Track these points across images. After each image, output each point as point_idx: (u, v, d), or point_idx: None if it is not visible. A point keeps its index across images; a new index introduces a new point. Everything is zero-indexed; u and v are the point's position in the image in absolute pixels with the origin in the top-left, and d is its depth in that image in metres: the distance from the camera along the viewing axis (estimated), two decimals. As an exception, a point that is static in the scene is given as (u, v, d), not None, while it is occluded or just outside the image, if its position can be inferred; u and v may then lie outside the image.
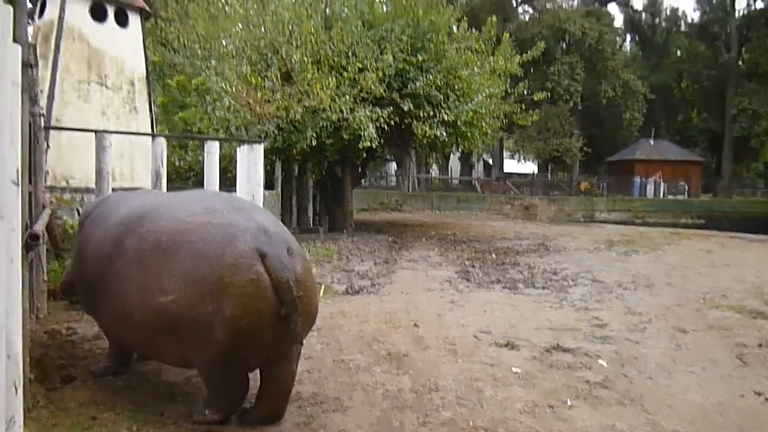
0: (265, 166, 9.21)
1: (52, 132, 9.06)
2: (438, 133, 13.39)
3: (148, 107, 11.66)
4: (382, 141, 13.30)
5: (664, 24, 47.58)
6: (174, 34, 16.00)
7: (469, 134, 14.66)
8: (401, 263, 10.71)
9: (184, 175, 15.61)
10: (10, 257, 2.45)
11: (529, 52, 16.91)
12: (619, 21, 47.38)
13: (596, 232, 18.10)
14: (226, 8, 14.17)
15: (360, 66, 12.54)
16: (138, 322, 3.41)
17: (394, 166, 39.20)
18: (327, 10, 14.08)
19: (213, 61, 13.38)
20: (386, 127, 12.92)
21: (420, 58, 13.49)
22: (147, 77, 11.76)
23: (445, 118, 13.45)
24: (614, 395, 4.24)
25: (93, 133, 6.87)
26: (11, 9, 2.43)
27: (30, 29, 10.70)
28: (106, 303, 3.70)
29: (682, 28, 46.44)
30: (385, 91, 12.83)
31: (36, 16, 11.01)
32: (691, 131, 43.22)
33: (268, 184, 13.09)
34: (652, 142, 38.39)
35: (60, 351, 4.72)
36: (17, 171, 2.52)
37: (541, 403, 4.02)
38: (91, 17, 10.79)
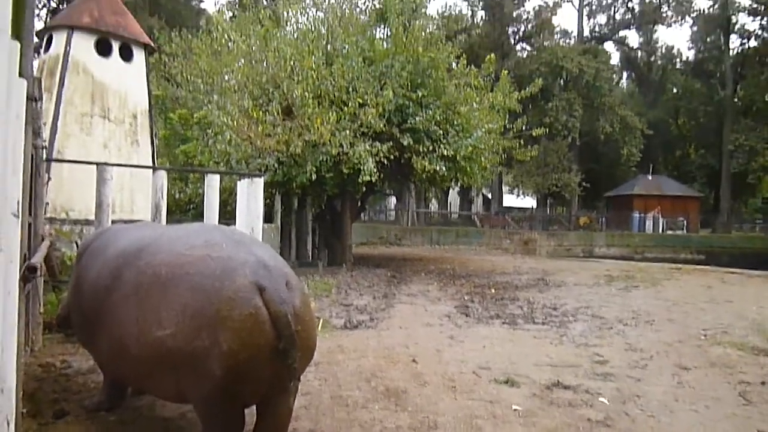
0: (265, 199, 9.26)
1: (53, 164, 9.12)
2: (437, 168, 13.48)
3: (149, 140, 11.77)
4: (381, 175, 13.39)
5: (659, 62, 48.43)
6: (177, 68, 16.27)
7: (468, 169, 14.77)
8: (400, 298, 10.65)
9: (184, 208, 15.67)
10: (8, 290, 2.44)
11: (527, 88, 17.19)
12: (615, 58, 48.26)
13: (596, 267, 18.05)
14: (229, 44, 14.44)
15: (360, 101, 12.70)
16: (134, 356, 3.37)
17: (393, 200, 39.35)
18: (328, 46, 14.33)
19: (215, 96, 13.56)
20: (386, 162, 13.02)
21: (420, 94, 13.67)
22: (149, 111, 11.90)
23: (445, 152, 13.56)
24: (616, 434, 4.16)
25: (94, 166, 6.92)
26: (18, 44, 2.47)
27: (36, 63, 10.89)
28: (102, 336, 3.66)
29: (678, 65, 47.25)
30: (384, 125, 12.96)
31: (42, 51, 11.20)
32: (689, 167, 43.57)
33: (268, 218, 13.14)
34: (650, 177, 38.65)
35: (54, 385, 4.65)
36: (18, 203, 2.52)
37: (541, 442, 3.94)
38: (97, 52, 10.98)
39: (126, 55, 11.37)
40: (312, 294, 9.72)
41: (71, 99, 10.61)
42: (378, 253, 21.44)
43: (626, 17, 44.64)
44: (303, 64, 12.73)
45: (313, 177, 12.73)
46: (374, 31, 15.69)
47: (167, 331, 3.18)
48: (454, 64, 16.30)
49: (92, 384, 4.68)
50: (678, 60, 47.76)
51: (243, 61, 13.81)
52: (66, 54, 10.60)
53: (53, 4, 32.27)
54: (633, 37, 58.19)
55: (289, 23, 15.90)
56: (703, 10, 42.37)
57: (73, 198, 10.04)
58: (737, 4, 39.35)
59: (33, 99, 3.65)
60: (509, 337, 7.41)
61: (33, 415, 3.91)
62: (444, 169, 13.72)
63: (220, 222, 7.24)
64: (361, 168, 12.36)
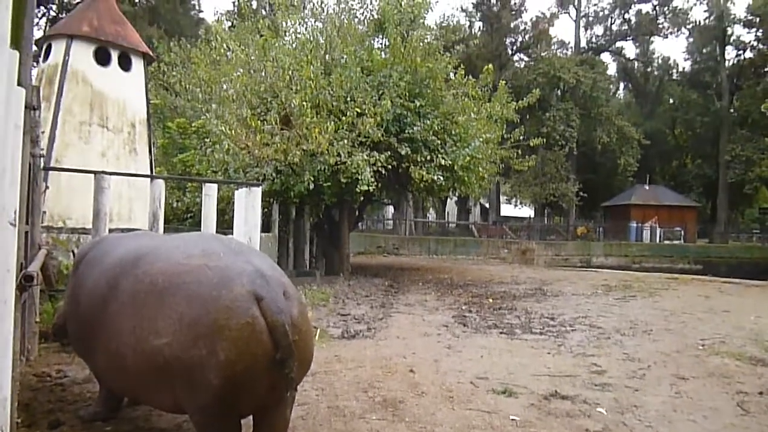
0: (263, 208, 9.26)
1: (51, 172, 9.11)
2: (435, 178, 13.51)
3: (147, 149, 11.77)
4: (379, 185, 13.41)
5: (656, 72, 48.75)
6: (176, 78, 16.33)
7: (466, 179, 14.80)
8: (398, 307, 10.63)
9: (181, 217, 15.65)
10: (4, 299, 2.44)
11: (524, 98, 17.30)
12: (612, 69, 48.58)
13: (593, 276, 18.05)
14: (228, 54, 14.50)
15: (358, 111, 12.74)
16: (131, 366, 3.35)
17: (391, 209, 39.40)
18: (327, 56, 14.39)
19: (213, 105, 13.59)
20: (383, 171, 13.04)
21: (417, 104, 13.72)
22: (148, 120, 11.91)
23: (442, 162, 13.60)
24: (614, 445, 4.15)
25: (92, 174, 6.91)
26: (17, 53, 2.48)
27: (34, 72, 10.91)
28: (98, 345, 3.65)
29: (674, 76, 47.54)
30: (382, 135, 12.99)
31: (41, 60, 11.23)
32: (686, 177, 43.75)
33: (266, 227, 13.13)
34: (647, 187, 38.77)
35: (49, 395, 4.63)
36: (15, 212, 2.52)
37: (539, 453, 3.93)
38: (95, 61, 11.00)
39: (125, 64, 11.39)
40: (309, 303, 9.69)
41: (70, 108, 10.62)
42: (376, 263, 21.42)
43: (623, 28, 44.94)
44: (301, 74, 12.78)
45: (311, 186, 12.74)
46: (372, 42, 15.77)
47: (164, 341, 3.17)
48: (451, 75, 16.38)
49: (88, 394, 4.66)
50: (674, 71, 48.07)
51: (241, 70, 13.86)
52: (65, 63, 10.62)
53: (52, 13, 32.39)
54: (630, 48, 58.52)
55: (287, 33, 15.98)
56: (699, 22, 42.71)
57: (71, 207, 10.03)
58: (733, 16, 39.71)
59: (31, 108, 3.65)
60: (507, 347, 7.39)
61: (28, 425, 3.89)
62: (442, 178, 13.75)
63: (217, 231, 7.23)
64: (359, 177, 12.37)
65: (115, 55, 11.22)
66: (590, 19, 45.28)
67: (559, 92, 36.63)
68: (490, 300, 11.89)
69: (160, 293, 3.28)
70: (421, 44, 14.73)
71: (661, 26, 43.65)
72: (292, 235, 15.44)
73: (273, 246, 13.95)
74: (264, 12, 25.04)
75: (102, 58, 11.08)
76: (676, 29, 43.36)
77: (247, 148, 12.49)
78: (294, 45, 14.84)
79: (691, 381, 5.96)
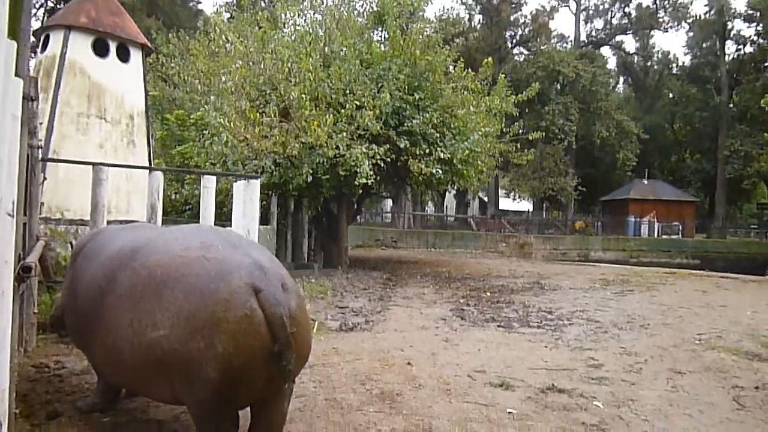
0: (261, 201, 9.24)
1: (49, 164, 9.09)
2: (434, 171, 13.49)
3: (146, 141, 11.75)
4: (378, 178, 13.39)
5: (656, 67, 48.67)
6: (174, 69, 16.27)
7: (464, 172, 14.78)
8: (396, 300, 10.64)
9: (179, 209, 15.64)
10: (2, 290, 2.43)
11: (524, 92, 17.25)
12: (612, 63, 48.48)
13: (591, 271, 18.09)
14: (227, 45, 14.44)
15: (357, 104, 12.71)
16: (129, 358, 3.35)
17: (389, 203, 39.40)
18: (326, 48, 14.34)
19: (212, 97, 13.53)
20: (382, 164, 13.03)
21: (417, 97, 13.69)
22: (146, 112, 11.88)
23: (441, 156, 13.58)
24: (610, 438, 4.17)
25: (90, 166, 6.90)
26: (15, 44, 2.47)
27: (32, 63, 10.86)
28: (96, 337, 3.65)
29: (674, 71, 47.48)
30: (381, 128, 12.97)
31: (39, 50, 11.18)
32: (685, 172, 43.75)
33: (264, 220, 13.12)
34: (645, 182, 38.78)
35: (47, 386, 4.63)
36: (13, 203, 2.52)
37: (536, 446, 3.94)
38: (93, 52, 10.96)
39: (123, 55, 11.35)
40: (307, 296, 9.71)
41: (67, 99, 10.58)
42: (374, 256, 21.44)
43: (623, 22, 44.82)
44: (300, 66, 12.73)
45: (310, 179, 12.72)
46: (372, 34, 15.72)
47: (162, 333, 3.17)
48: (451, 68, 16.33)
49: (86, 385, 4.67)
50: (674, 65, 48.03)
51: (240, 62, 13.80)
52: (63, 54, 10.57)
53: (50, 4, 32.22)
54: (630, 42, 58.48)
55: (286, 25, 15.91)
56: (699, 16, 42.60)
57: (69, 198, 10.01)
58: (733, 10, 39.62)
59: (29, 99, 3.64)
60: (504, 341, 7.41)
61: (26, 416, 3.89)
62: (440, 172, 13.74)
63: (216, 224, 7.23)
64: (358, 170, 12.36)
65: (113, 47, 11.18)
66: (590, 12, 45.16)
67: (558, 86, 36.58)
68: (488, 293, 11.91)
69: (158, 286, 3.28)
70: (421, 37, 14.69)
71: (661, 20, 43.56)
72: (291, 228, 15.44)
73: (271, 239, 13.95)
74: (263, 4, 24.95)
75: (100, 50, 11.04)
76: (676, 23, 43.28)
77: (245, 141, 12.47)
78: (293, 37, 14.78)
79: (687, 375, 5.99)
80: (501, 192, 46.58)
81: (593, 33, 45.80)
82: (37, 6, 31.23)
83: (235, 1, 29.59)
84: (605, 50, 46.62)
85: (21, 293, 4.21)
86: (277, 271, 3.38)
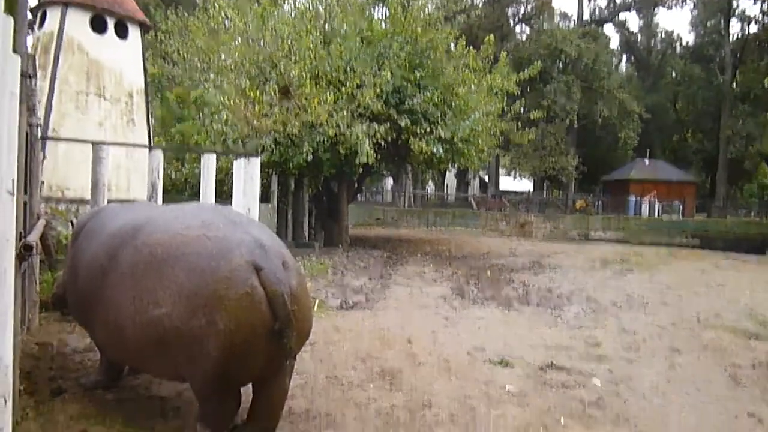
0: (262, 179, 9.23)
1: (48, 143, 9.07)
2: (434, 150, 13.44)
3: (145, 119, 11.68)
4: (378, 157, 13.34)
5: (659, 46, 48.12)
6: (173, 47, 16.10)
7: (465, 151, 14.73)
8: (396, 279, 10.69)
9: (180, 188, 15.61)
10: (3, 267, 2.44)
11: (525, 70, 17.10)
12: (615, 42, 47.91)
13: (591, 250, 18.13)
14: (226, 22, 14.28)
15: (358, 82, 12.62)
16: (131, 336, 3.38)
17: (390, 181, 39.29)
18: (326, 26, 14.20)
19: (212, 75, 13.45)
20: (383, 143, 12.98)
21: (418, 75, 13.58)
22: (145, 89, 11.79)
23: (442, 134, 13.51)
24: (608, 415, 4.22)
25: (90, 145, 6.88)
26: (12, 19, 2.44)
27: (30, 40, 10.76)
28: (99, 315, 3.67)
29: (677, 50, 46.94)
30: (382, 107, 12.89)
31: (36, 27, 11.06)
32: (686, 152, 43.55)
33: (264, 198, 13.12)
34: (647, 161, 38.62)
35: (51, 363, 4.67)
36: (13, 181, 2.51)
37: (534, 422, 3.99)
38: (91, 29, 10.84)
39: (121, 32, 11.23)
40: (308, 274, 9.75)
41: (66, 77, 10.50)
42: (374, 235, 21.48)
43: (627, 0, 44.24)
44: (300, 44, 12.62)
45: (310, 158, 12.68)
46: (372, 11, 15.53)
47: (163, 311, 3.19)
48: (452, 46, 16.17)
49: (89, 363, 4.71)
50: (678, 44, 47.45)
51: (240, 40, 13.67)
52: (60, 31, 10.47)
53: (47, -20, 31.78)
54: (633, 21, 57.84)
55: (286, 2, 15.72)
56: (704, -6, 42.00)
57: (69, 177, 9.99)
58: (738, -12, 39.06)
59: (27, 76, 3.61)
60: (504, 319, 7.46)
61: (30, 392, 3.93)
62: (441, 151, 13.69)
63: (216, 202, 7.23)
64: (358, 149, 12.31)
65: (111, 23, 11.05)
66: (594, -10, 44.56)
67: (560, 65, 36.21)
68: (488, 272, 11.95)
69: (159, 264, 3.29)
70: (422, 14, 14.51)
71: (665, -3, 42.97)
72: (291, 207, 15.44)
73: (272, 217, 13.96)
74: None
75: (98, 26, 10.92)
76: (680, 1, 42.71)
77: (245, 119, 12.41)
78: (293, 14, 14.62)
79: (685, 354, 6.03)
80: (502, 171, 46.44)
81: (596, 11, 45.20)
82: (34, -18, 30.81)
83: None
84: (608, 28, 46.10)
85: (23, 272, 4.22)
86: (277, 250, 3.39)
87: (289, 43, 12.79)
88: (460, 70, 15.05)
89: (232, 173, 8.16)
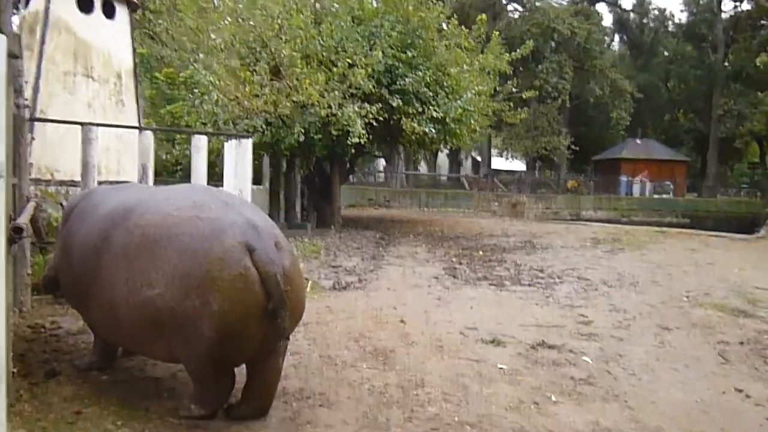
0: (253, 161, 9.18)
1: (37, 124, 8.97)
2: (426, 130, 13.40)
3: (135, 100, 11.57)
4: (370, 137, 13.28)
5: (651, 24, 47.90)
6: (162, 26, 15.88)
7: (457, 131, 14.69)
8: (388, 259, 10.72)
9: (171, 169, 15.53)
10: (-6, 250, 2.43)
11: (518, 50, 17.02)
12: (607, 21, 47.64)
13: (582, 230, 18.22)
14: (215, 1, 14.09)
15: (349, 62, 12.51)
16: (124, 317, 3.38)
17: (382, 162, 39.20)
18: (316, 4, 14.04)
19: (201, 55, 13.27)
20: (375, 124, 12.91)
21: (409, 55, 13.48)
22: (134, 70, 11.66)
23: (434, 115, 13.46)
24: (598, 392, 4.28)
25: (79, 126, 6.81)
26: (-4, -1, 2.40)
27: (15, 19, 10.58)
28: (91, 297, 3.67)
29: (670, 28, 46.78)
30: (374, 87, 12.81)
31: (21, 6, 10.87)
32: (678, 131, 43.64)
33: (256, 180, 13.06)
34: (638, 141, 38.71)
35: (44, 345, 4.67)
36: (1, 164, 2.49)
37: (526, 400, 4.05)
38: (78, 8, 10.67)
39: (109, 11, 11.06)
40: (301, 256, 9.75)
41: (53, 57, 10.35)
42: (367, 215, 21.48)
43: (620, -23, 43.93)
44: (291, 23, 12.47)
45: (302, 139, 12.61)
46: (363, -10, 15.34)
47: (157, 292, 3.19)
48: (444, 25, 16.03)
49: (82, 345, 4.71)
50: (670, 23, 47.26)
51: (230, 19, 13.47)
52: (46, 10, 10.30)
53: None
54: (626, -2, 57.37)
55: (276, -20, 15.49)
56: (698, -29, 41.78)
57: (58, 159, 9.90)
58: (732, -34, 38.85)
59: (14, 56, 3.56)
60: (496, 299, 7.51)
61: (24, 375, 3.94)
62: (433, 131, 13.64)
63: (208, 184, 7.19)
64: (350, 130, 12.25)
65: (98, 3, 10.88)
66: (587, -33, 44.13)
67: (553, 44, 36.02)
68: (480, 252, 12.01)
69: (152, 245, 3.29)
70: (413, -8, 14.36)
71: (658, -25, 42.68)
72: (283, 188, 15.39)
73: (264, 199, 13.93)
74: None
75: (84, 6, 10.75)
76: (673, -22, 42.43)
77: (236, 100, 12.30)
78: (283, -8, 14.42)
79: (674, 331, 6.11)
80: (494, 151, 46.43)
81: (589, -12, 44.89)
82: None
83: (222, -45, 28.72)
84: (601, 7, 45.75)
85: (13, 254, 4.20)
86: (270, 230, 3.39)
87: (280, 22, 12.64)
88: (452, 50, 14.95)
89: (223, 155, 8.11)
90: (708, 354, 5.38)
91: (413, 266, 10.00)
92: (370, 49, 12.93)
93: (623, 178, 35.32)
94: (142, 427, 3.29)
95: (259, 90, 12.15)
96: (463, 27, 16.20)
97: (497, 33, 17.34)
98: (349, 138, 12.32)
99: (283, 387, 3.86)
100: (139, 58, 14.15)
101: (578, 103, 37.58)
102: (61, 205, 4.89)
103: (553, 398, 4.11)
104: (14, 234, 3.53)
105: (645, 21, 47.84)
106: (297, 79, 12.05)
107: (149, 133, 7.41)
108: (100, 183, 6.52)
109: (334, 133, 12.70)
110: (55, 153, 9.90)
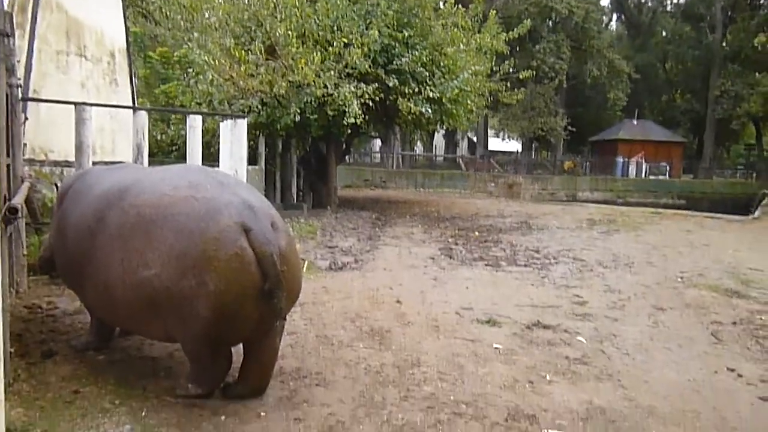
0: (249, 141, 9.14)
1: (30, 104, 8.87)
2: (423, 110, 13.33)
3: (129, 80, 11.46)
4: (366, 117, 13.21)
5: (650, 4, 47.56)
6: (155, 4, 15.67)
7: (454, 111, 14.61)
8: (385, 240, 10.74)
9: (166, 150, 15.44)
10: (-11, 230, 2.42)
11: (515, 29, 16.86)
12: (605, 0, 47.22)
13: (578, 211, 18.27)
14: (209, -21, 13.87)
15: (345, 41, 12.39)
16: (120, 297, 3.38)
17: (378, 143, 39.08)
18: (312, -17, 13.84)
19: (195, 34, 13.11)
20: (371, 104, 12.83)
21: (406, 34, 13.36)
22: (127, 49, 11.53)
23: (431, 95, 13.37)
24: (592, 371, 4.32)
25: (72, 106, 6.75)
26: (-14, -25, 2.36)
27: (6, -3, 10.40)
28: (88, 278, 3.67)
29: (668, 8, 46.45)
30: (370, 67, 12.71)
31: (12, -16, 10.69)
32: (674, 112, 43.55)
33: (252, 160, 13.00)
34: (635, 122, 38.62)
35: (41, 326, 4.68)
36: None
37: (521, 379, 4.08)
38: (69, -15, 10.50)
39: (101, -11, 10.91)
40: (297, 236, 9.75)
41: (45, 36, 10.20)
42: (363, 196, 21.47)
43: (619, -44, 43.46)
44: (286, 2, 12.32)
45: (298, 119, 12.52)
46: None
47: (153, 272, 3.19)
48: (441, 4, 15.87)
49: (79, 325, 4.72)
50: (669, 2, 46.94)
51: (224, -3, 13.32)
52: (37, -13, 10.13)
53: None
54: (625, -23, 56.76)
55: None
56: (697, -51, 41.31)
57: (52, 139, 9.82)
58: (731, -56, 38.46)
59: (5, 35, 3.51)
60: (492, 279, 7.55)
61: (21, 355, 3.95)
62: (430, 111, 13.57)
63: (203, 164, 7.16)
64: (346, 110, 12.17)
65: (89, -21, 10.72)
66: (585, -55, 43.56)
67: (550, 23, 35.73)
68: (476, 233, 12.03)
69: (147, 225, 3.28)
70: (410, -29, 14.18)
71: (657, -47, 42.25)
72: (279, 169, 15.33)
73: (260, 179, 13.87)
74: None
75: (76, -17, 10.58)
76: (672, -43, 42.03)
77: (231, 80, 12.19)
78: (278, -30, 14.21)
79: (668, 312, 6.16)
80: (490, 132, 46.26)
81: (587, -34, 44.38)
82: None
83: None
84: (599, -15, 45.37)
85: (9, 235, 4.19)
86: (266, 211, 3.38)
87: (275, 0, 12.48)
88: (449, 29, 14.80)
89: (218, 135, 8.06)
90: (701, 334, 5.43)
91: (409, 247, 10.02)
92: (366, 29, 12.80)
93: (620, 159, 35.31)
94: (139, 406, 3.31)
95: (254, 70, 12.04)
96: (459, 6, 16.04)
97: (494, 12, 17.18)
98: (345, 118, 12.25)
99: (280, 366, 3.89)
100: (132, 37, 14.00)
101: (575, 83, 37.41)
102: (56, 185, 4.87)
103: (548, 377, 4.15)
104: (9, 214, 3.51)
105: (643, 0, 47.48)
106: (292, 59, 11.94)
107: (143, 114, 7.36)
108: (94, 163, 6.48)
109: (330, 113, 12.62)
110: (48, 133, 9.81)
